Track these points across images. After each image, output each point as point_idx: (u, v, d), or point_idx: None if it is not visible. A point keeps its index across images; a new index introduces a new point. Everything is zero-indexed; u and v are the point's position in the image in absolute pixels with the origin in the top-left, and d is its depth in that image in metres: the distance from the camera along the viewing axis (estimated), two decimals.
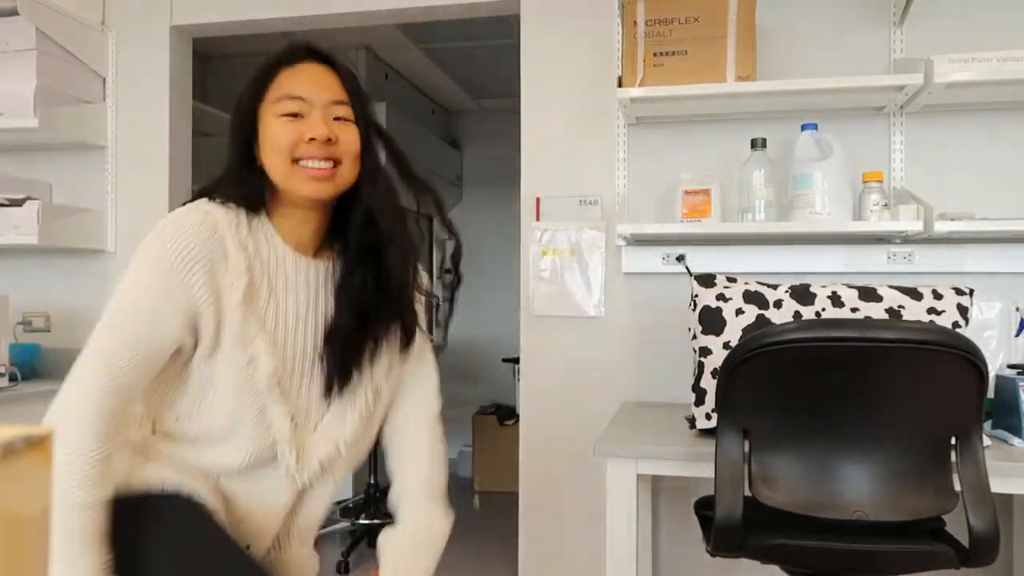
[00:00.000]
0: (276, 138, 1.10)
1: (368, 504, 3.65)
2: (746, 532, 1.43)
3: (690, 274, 1.91)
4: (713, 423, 1.64)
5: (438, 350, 1.45)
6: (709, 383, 1.72)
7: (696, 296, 1.81)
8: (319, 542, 1.34)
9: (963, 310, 1.70)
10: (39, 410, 1.04)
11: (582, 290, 2.39)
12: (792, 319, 1.72)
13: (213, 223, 1.07)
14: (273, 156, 1.11)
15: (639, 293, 2.36)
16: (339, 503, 3.73)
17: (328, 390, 1.16)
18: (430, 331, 1.31)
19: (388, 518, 1.29)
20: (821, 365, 1.37)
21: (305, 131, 1.09)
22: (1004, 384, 1.73)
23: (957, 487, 1.40)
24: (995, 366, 1.91)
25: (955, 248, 2.15)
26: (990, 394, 1.71)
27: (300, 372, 1.15)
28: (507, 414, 4.51)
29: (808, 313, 1.73)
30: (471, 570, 3.12)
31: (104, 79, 2.73)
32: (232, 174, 1.14)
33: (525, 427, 2.45)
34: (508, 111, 3.19)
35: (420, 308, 1.27)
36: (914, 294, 1.72)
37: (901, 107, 2.17)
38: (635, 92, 2.10)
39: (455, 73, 4.45)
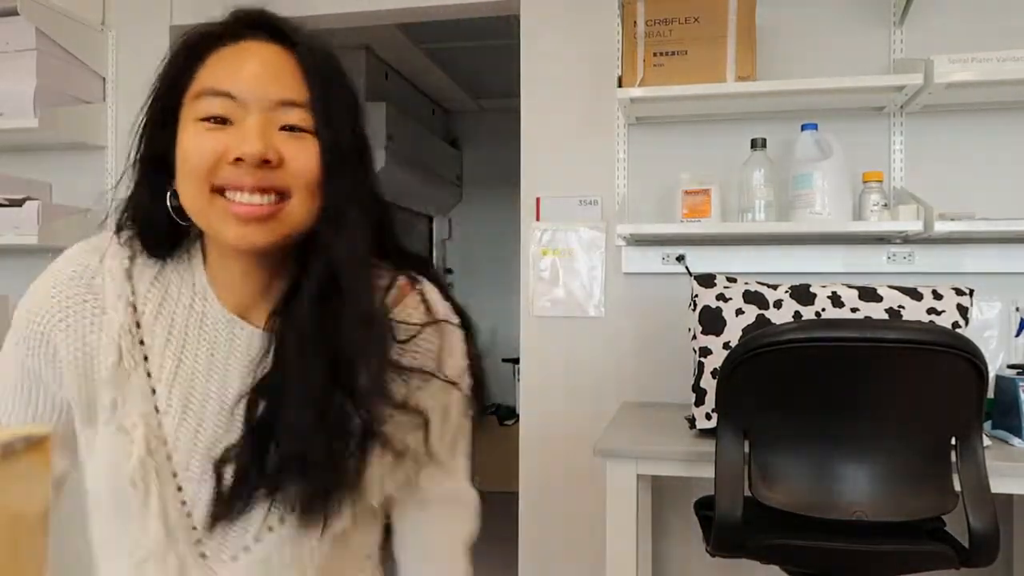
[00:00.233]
0: (187, 154, 0.75)
1: None
2: (746, 532, 1.43)
3: (690, 274, 1.91)
4: (713, 423, 1.64)
5: None
6: (709, 383, 1.72)
7: (696, 296, 1.81)
8: None
9: (963, 310, 1.70)
10: None
11: (582, 290, 2.39)
12: (792, 319, 1.72)
13: (92, 269, 0.82)
14: (184, 181, 0.75)
15: (639, 293, 2.36)
16: None
17: (225, 513, 0.79)
18: (472, 436, 0.93)
19: None
20: (821, 365, 1.37)
21: (230, 146, 0.74)
22: (1004, 384, 1.73)
23: (957, 487, 1.40)
24: (995, 366, 1.91)
25: (955, 248, 2.15)
26: (990, 394, 1.71)
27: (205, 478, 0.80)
28: (507, 414, 4.52)
29: (808, 313, 1.73)
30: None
31: (104, 79, 2.73)
32: (135, 201, 0.81)
33: (525, 427, 2.45)
34: (508, 111, 3.19)
35: (450, 396, 0.87)
36: (914, 294, 1.72)
37: (901, 107, 2.17)
38: (635, 92, 2.10)
39: (455, 73, 4.45)
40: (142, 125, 0.80)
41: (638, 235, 2.22)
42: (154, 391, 0.80)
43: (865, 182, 2.08)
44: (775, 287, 1.79)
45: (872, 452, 1.41)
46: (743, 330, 1.74)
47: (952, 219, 1.97)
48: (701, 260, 2.28)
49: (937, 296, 1.72)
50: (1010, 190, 2.15)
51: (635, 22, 2.16)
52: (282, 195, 0.76)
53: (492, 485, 4.63)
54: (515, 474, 2.48)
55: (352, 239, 0.78)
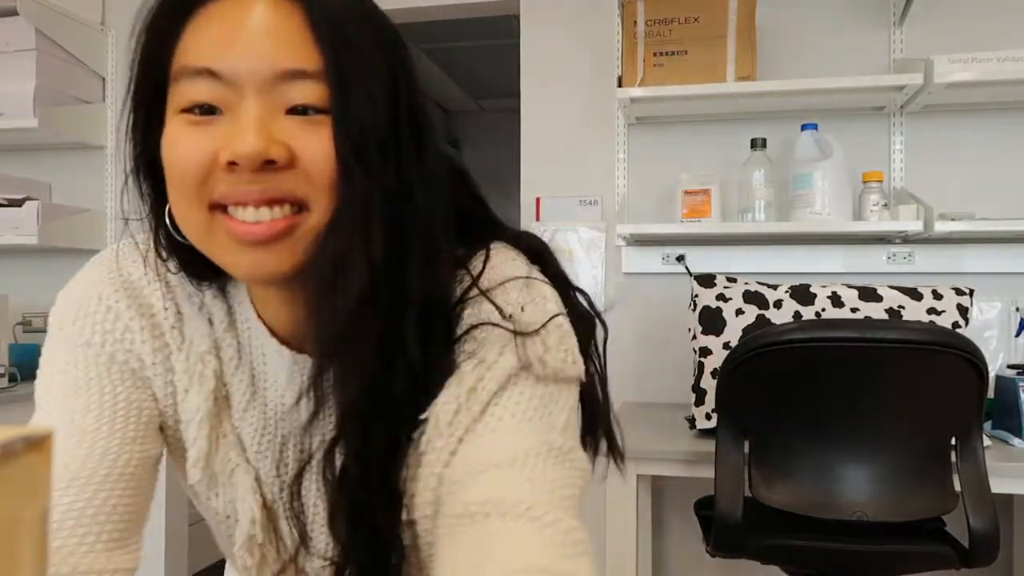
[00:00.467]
0: (170, 162, 0.57)
1: None
2: (746, 532, 1.43)
3: (690, 274, 1.91)
4: (713, 423, 1.64)
5: None
6: (709, 383, 1.72)
7: (696, 296, 1.81)
8: None
9: (963, 310, 1.70)
10: None
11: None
12: (792, 319, 1.72)
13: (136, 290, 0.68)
14: (174, 198, 0.58)
15: (639, 293, 2.36)
16: None
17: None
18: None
19: None
20: (821, 365, 1.37)
21: (221, 146, 0.55)
22: (1004, 384, 1.73)
23: (957, 487, 1.40)
24: (995, 366, 1.91)
25: (955, 248, 2.15)
26: (990, 394, 1.71)
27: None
28: None
29: (808, 313, 1.73)
30: None
31: (104, 79, 2.73)
32: (152, 220, 0.64)
33: None
34: (508, 111, 3.19)
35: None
36: (914, 294, 1.72)
37: (901, 107, 2.17)
38: (635, 92, 2.10)
39: (455, 73, 4.45)
40: (128, 125, 0.62)
41: (638, 235, 2.22)
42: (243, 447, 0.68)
43: (865, 182, 2.08)
44: (775, 287, 1.79)
45: (872, 452, 1.41)
46: (743, 330, 1.74)
47: (952, 219, 1.97)
48: (701, 260, 2.28)
49: (937, 296, 1.72)
50: (1010, 190, 2.15)
51: (635, 22, 2.16)
52: (299, 207, 0.56)
53: None
54: None
55: (367, 245, 0.55)
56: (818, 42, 2.26)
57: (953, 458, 1.41)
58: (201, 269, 0.64)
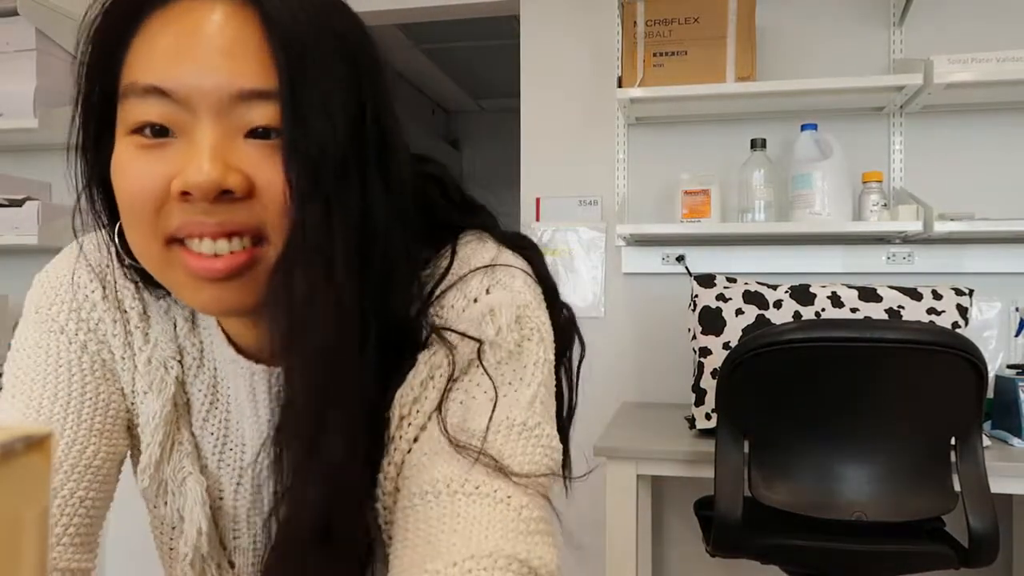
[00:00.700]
0: (120, 190, 0.53)
1: None
2: (746, 532, 1.43)
3: (690, 274, 1.91)
4: (713, 423, 1.64)
5: None
6: (709, 383, 1.72)
7: (696, 296, 1.81)
8: None
9: (963, 310, 1.70)
10: None
11: (582, 290, 2.39)
12: (792, 319, 1.72)
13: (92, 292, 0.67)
14: (127, 227, 0.54)
15: (639, 293, 2.36)
16: None
17: None
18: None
19: None
20: (821, 365, 1.37)
21: (174, 173, 0.51)
22: (1004, 384, 1.73)
23: (957, 487, 1.40)
24: (995, 366, 1.91)
25: (955, 248, 2.15)
26: (990, 394, 1.71)
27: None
28: None
29: (808, 313, 1.73)
30: None
31: None
32: (108, 238, 0.62)
33: None
34: (508, 111, 3.19)
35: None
36: (914, 294, 1.72)
37: (901, 107, 2.17)
38: (635, 92, 2.10)
39: (455, 73, 4.45)
40: (77, 142, 0.57)
41: (638, 235, 2.23)
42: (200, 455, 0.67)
43: (865, 182, 2.08)
44: (775, 287, 1.79)
45: (872, 452, 1.41)
46: (743, 330, 1.74)
47: (952, 219, 1.97)
48: (701, 260, 2.28)
49: (937, 296, 1.72)
50: (1010, 190, 2.15)
51: (635, 22, 2.16)
52: (257, 238, 0.52)
53: None
54: None
55: (314, 274, 0.51)
56: (818, 42, 2.26)
57: (953, 458, 1.41)
58: (159, 285, 0.61)
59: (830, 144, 2.07)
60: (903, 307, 1.71)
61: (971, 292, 1.74)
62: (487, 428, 0.54)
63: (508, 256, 0.62)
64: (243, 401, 0.65)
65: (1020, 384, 1.68)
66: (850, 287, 1.75)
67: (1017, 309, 2.02)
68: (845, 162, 2.06)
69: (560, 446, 0.58)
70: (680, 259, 2.29)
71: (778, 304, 1.75)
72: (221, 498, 0.67)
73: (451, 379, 0.56)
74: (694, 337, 1.82)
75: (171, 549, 0.68)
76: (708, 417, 1.72)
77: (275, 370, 0.61)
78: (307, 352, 0.52)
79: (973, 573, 2.00)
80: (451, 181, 0.67)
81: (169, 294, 0.65)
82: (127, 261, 0.60)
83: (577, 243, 2.40)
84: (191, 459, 0.66)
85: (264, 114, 0.51)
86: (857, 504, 1.39)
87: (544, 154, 2.45)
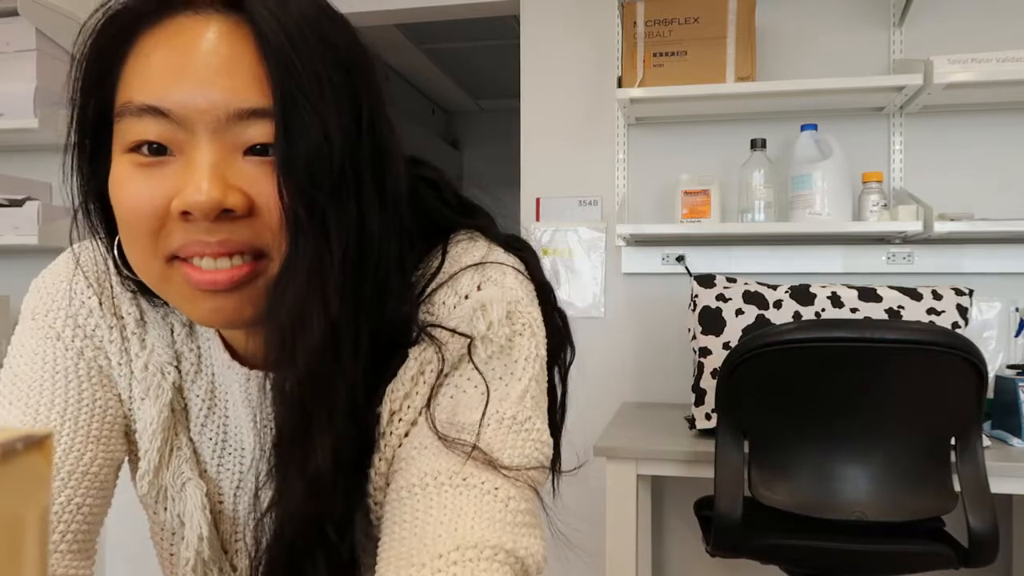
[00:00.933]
0: (120, 209, 0.53)
1: None
2: (746, 532, 1.43)
3: (690, 274, 1.91)
4: (713, 423, 1.64)
5: None
6: (709, 383, 1.72)
7: (696, 296, 1.82)
8: None
9: (963, 310, 1.70)
10: None
11: (582, 290, 2.39)
12: (792, 319, 1.72)
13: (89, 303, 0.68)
14: (127, 244, 0.55)
15: (639, 293, 2.36)
16: None
17: None
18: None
19: None
20: (821, 365, 1.37)
21: (174, 192, 0.51)
22: (1004, 384, 1.73)
23: (957, 487, 1.40)
24: (995, 366, 1.91)
25: (955, 248, 2.15)
26: (990, 394, 1.71)
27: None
28: None
29: (808, 313, 1.73)
30: None
31: None
32: (105, 253, 0.63)
33: None
34: (508, 111, 3.19)
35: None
36: (913, 294, 1.72)
37: (900, 107, 2.17)
38: (635, 92, 2.10)
39: (455, 73, 4.45)
40: (72, 158, 0.57)
41: (638, 235, 2.23)
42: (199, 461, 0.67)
43: (865, 182, 2.08)
44: (775, 287, 1.79)
45: (872, 452, 1.41)
46: (743, 330, 1.74)
47: (952, 219, 1.97)
48: (701, 260, 2.28)
49: (937, 296, 1.72)
50: (1010, 190, 2.15)
51: (635, 22, 2.16)
52: (257, 255, 0.53)
53: None
54: None
55: (309, 288, 0.52)
56: (818, 42, 2.27)
57: (952, 458, 1.41)
58: (156, 294, 0.61)
59: (830, 144, 2.07)
60: (903, 307, 1.71)
61: (971, 292, 1.74)
62: (478, 422, 0.54)
63: (499, 254, 0.63)
64: (240, 406, 0.65)
65: (1020, 384, 1.68)
66: (850, 287, 1.75)
67: (1017, 309, 2.02)
68: (845, 162, 2.06)
69: (551, 440, 0.58)
70: (680, 259, 2.29)
71: (778, 304, 1.75)
72: (221, 502, 0.68)
73: (441, 374, 0.57)
74: (694, 337, 1.82)
75: (172, 555, 0.69)
76: (708, 417, 1.72)
77: (271, 376, 0.60)
78: (299, 364, 0.52)
79: (973, 573, 2.01)
80: (447, 184, 0.67)
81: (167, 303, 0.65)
82: (125, 273, 0.60)
83: (577, 243, 2.40)
84: (190, 464, 0.66)
85: (262, 132, 0.51)
86: (857, 504, 1.40)
87: (544, 154, 2.45)
